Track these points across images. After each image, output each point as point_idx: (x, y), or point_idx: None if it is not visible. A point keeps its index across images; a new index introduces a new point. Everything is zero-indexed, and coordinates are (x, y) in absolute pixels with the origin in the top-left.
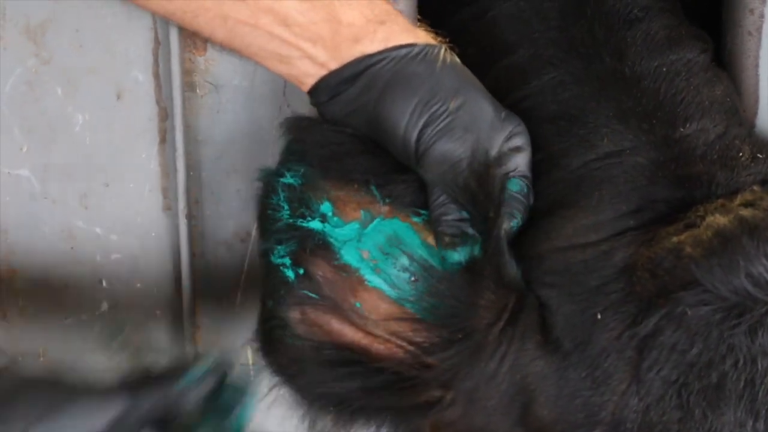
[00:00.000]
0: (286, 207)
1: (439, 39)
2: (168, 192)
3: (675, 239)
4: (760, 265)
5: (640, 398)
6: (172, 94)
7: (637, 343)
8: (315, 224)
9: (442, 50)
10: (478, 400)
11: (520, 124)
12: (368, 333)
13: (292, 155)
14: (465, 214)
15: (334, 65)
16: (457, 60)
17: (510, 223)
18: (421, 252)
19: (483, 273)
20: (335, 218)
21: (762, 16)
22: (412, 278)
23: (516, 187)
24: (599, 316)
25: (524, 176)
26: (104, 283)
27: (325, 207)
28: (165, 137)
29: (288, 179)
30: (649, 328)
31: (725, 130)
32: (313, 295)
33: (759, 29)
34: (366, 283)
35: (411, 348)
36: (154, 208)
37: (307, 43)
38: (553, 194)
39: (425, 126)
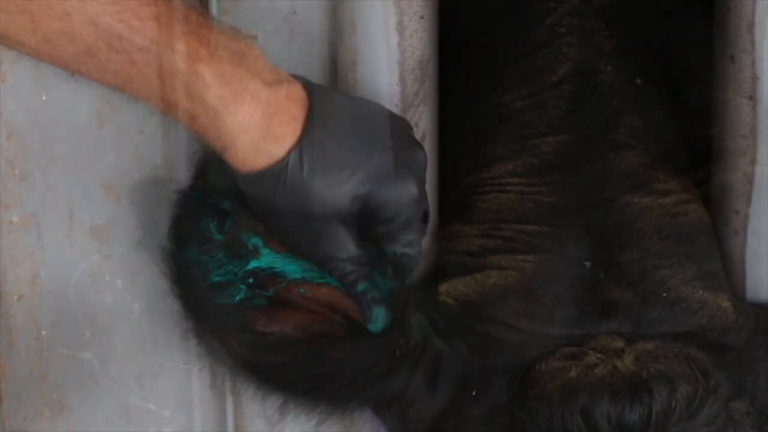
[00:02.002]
0: (220, 239)
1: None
2: (216, 370)
3: (554, 365)
4: (577, 425)
5: None
6: None
7: (488, 429)
8: (253, 264)
9: (283, 168)
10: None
11: (401, 195)
12: (310, 312)
13: (214, 184)
14: (365, 286)
15: None
16: (311, 152)
17: (373, 306)
18: None
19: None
20: (266, 249)
21: (747, 216)
22: None
23: (389, 254)
24: (474, 393)
25: (394, 239)
26: None
27: (255, 240)
28: None
29: (220, 207)
30: (500, 421)
31: (667, 262)
32: (266, 293)
33: (744, 228)
34: (310, 279)
35: (344, 320)
36: (204, 385)
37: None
38: (510, 270)
39: (287, 239)
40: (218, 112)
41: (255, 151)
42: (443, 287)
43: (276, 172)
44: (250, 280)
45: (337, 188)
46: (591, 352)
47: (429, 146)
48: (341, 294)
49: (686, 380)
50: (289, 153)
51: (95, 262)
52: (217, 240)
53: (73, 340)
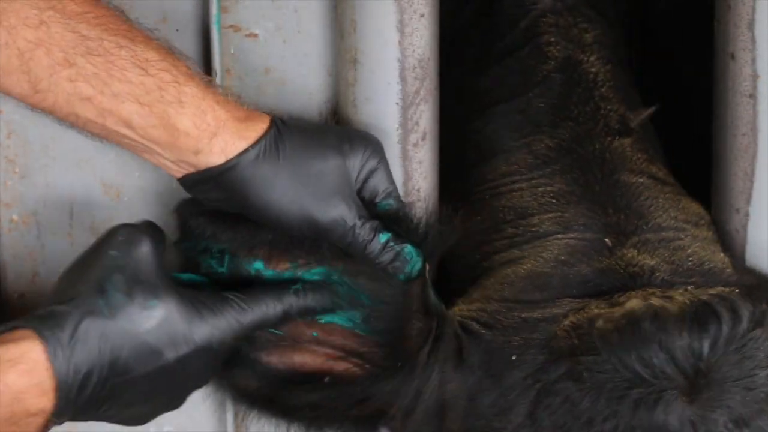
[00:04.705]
0: (224, 271)
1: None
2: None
3: (595, 311)
4: (652, 350)
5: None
6: None
7: (540, 386)
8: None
9: (273, 139)
10: (410, 413)
11: (366, 146)
12: (327, 356)
13: (204, 232)
14: (388, 235)
15: (185, 168)
16: (289, 126)
17: (403, 246)
18: (352, 291)
19: (411, 305)
20: (269, 271)
21: (747, 214)
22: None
23: (386, 206)
24: (514, 358)
25: (387, 192)
26: None
27: (257, 264)
28: None
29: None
30: (552, 377)
31: (682, 237)
32: (277, 332)
33: (745, 227)
34: (317, 319)
35: (363, 362)
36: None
37: (153, 144)
38: (518, 249)
39: (301, 210)
40: (205, 95)
41: (245, 128)
42: (454, 311)
43: (272, 137)
44: None
45: (325, 139)
46: (632, 296)
47: (429, 145)
48: (354, 335)
49: (743, 303)
50: (272, 122)
51: None
52: (220, 272)
53: None
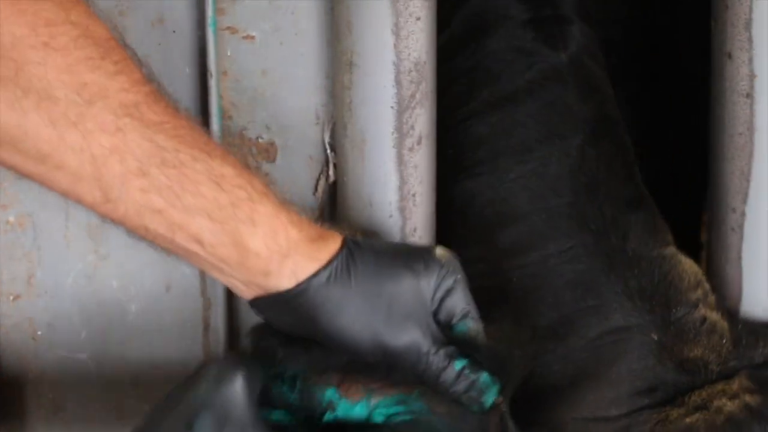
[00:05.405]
0: (296, 399)
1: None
2: None
3: (688, 420)
4: None
5: None
6: (216, 286)
7: None
8: (328, 416)
9: (345, 260)
10: None
11: (442, 265)
12: None
13: (276, 355)
14: (463, 362)
15: (255, 290)
16: (361, 246)
17: (479, 375)
18: (429, 422)
19: None
20: (342, 400)
21: (743, 214)
22: None
23: (464, 328)
24: None
25: (465, 313)
26: None
27: (330, 393)
28: (209, 325)
29: (287, 374)
30: None
31: (707, 314)
32: None
33: (741, 226)
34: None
35: None
36: None
37: (222, 263)
38: (573, 363)
39: (374, 336)
40: (278, 214)
41: (317, 248)
42: None
43: (343, 259)
44: None
45: (398, 259)
46: (713, 396)
47: (425, 149)
48: None
49: None
50: (344, 242)
51: (91, 262)
52: (292, 401)
53: (69, 341)
